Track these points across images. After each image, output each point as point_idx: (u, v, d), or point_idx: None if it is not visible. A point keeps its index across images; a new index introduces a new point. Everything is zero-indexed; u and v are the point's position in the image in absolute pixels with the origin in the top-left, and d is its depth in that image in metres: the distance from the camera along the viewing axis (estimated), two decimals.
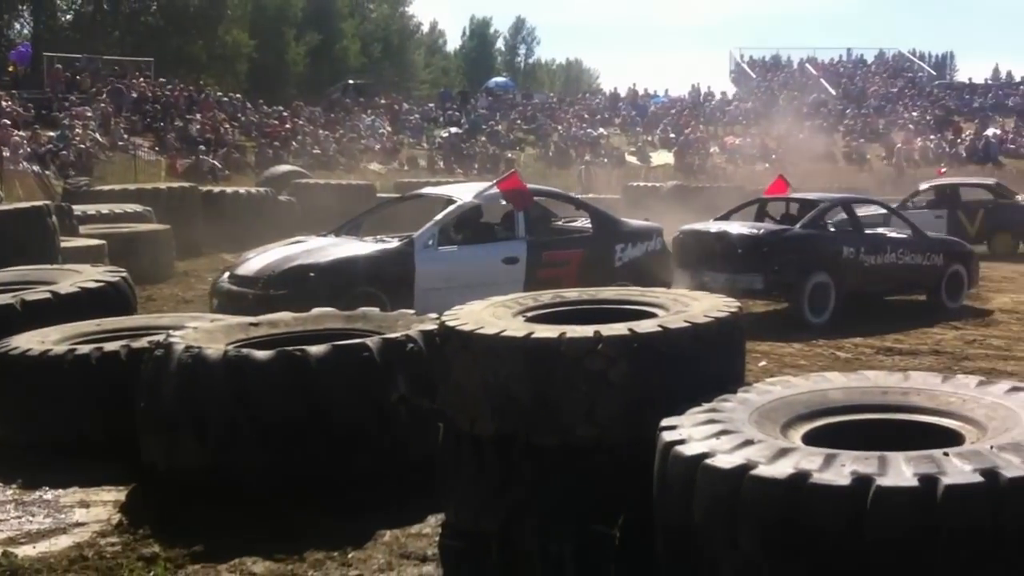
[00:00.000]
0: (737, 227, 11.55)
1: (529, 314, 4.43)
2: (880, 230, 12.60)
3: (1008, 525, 2.69)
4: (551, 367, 3.77)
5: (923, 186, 20.71)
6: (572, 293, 4.89)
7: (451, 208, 9.95)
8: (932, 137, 37.08)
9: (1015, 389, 3.50)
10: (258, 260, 9.36)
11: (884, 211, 14.63)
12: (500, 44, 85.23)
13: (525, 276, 9.69)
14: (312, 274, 8.83)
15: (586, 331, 3.82)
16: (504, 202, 10.33)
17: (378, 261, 9.19)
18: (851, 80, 47.53)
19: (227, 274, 9.51)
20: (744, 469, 2.94)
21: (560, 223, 11.23)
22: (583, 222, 11.01)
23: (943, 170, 24.42)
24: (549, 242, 10.26)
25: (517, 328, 3.99)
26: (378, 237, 9.95)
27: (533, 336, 3.84)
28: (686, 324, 3.88)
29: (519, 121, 40.13)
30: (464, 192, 10.59)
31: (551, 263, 9.98)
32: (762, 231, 11.43)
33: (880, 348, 9.47)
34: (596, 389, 3.74)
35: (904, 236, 12.23)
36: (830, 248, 11.32)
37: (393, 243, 9.54)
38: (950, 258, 12.13)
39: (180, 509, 4.64)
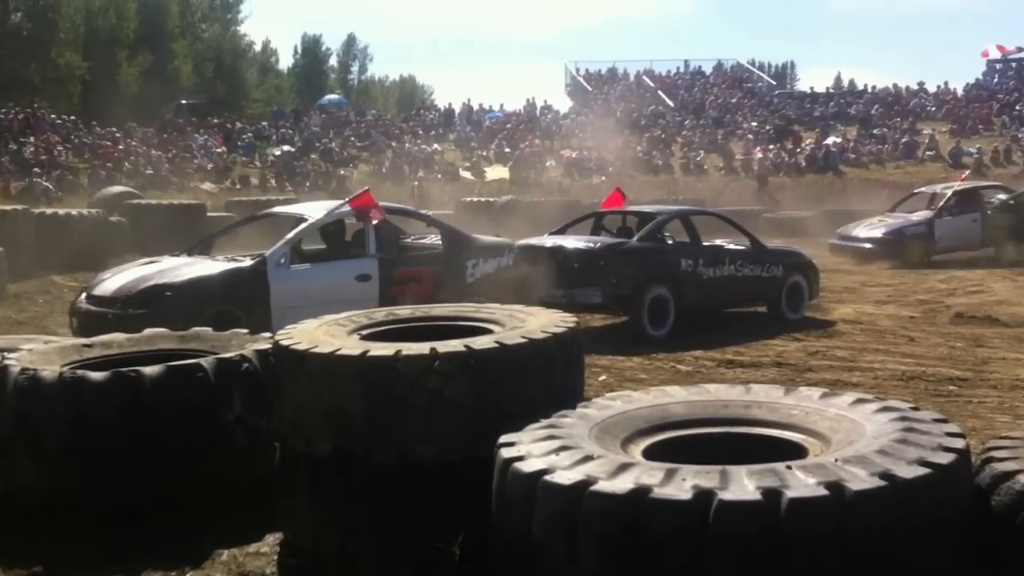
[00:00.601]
0: (573, 241, 11.51)
1: (364, 332, 4.43)
2: (718, 242, 12.69)
3: (854, 539, 2.67)
4: (388, 385, 3.76)
5: (948, 192, 20.88)
6: (406, 310, 4.93)
7: (302, 226, 9.98)
8: (772, 147, 38.04)
9: (859, 401, 3.51)
10: (114, 280, 9.38)
11: None
12: (332, 61, 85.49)
13: (379, 293, 9.77)
14: (168, 293, 8.89)
15: (422, 348, 3.81)
16: (355, 220, 10.38)
17: (232, 280, 9.21)
18: (688, 92, 48.72)
19: (84, 295, 9.48)
20: (584, 485, 2.88)
21: (410, 240, 11.24)
22: (434, 239, 11.03)
23: (965, 175, 24.90)
24: (401, 259, 10.35)
25: (352, 346, 3.97)
26: (230, 256, 9.95)
27: (369, 354, 3.83)
28: (523, 340, 3.89)
29: (353, 138, 40.25)
30: (315, 210, 10.58)
31: (403, 280, 10.05)
32: (598, 245, 11.37)
33: (721, 361, 9.51)
34: (434, 406, 3.74)
35: (742, 248, 12.31)
36: (668, 261, 11.33)
37: (245, 262, 9.53)
38: (789, 269, 12.25)
39: (20, 530, 4.64)
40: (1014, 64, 48.19)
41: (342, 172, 34.68)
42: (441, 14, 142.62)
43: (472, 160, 38.19)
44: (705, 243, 12.17)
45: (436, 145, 39.58)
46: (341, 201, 10.69)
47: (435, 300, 9.08)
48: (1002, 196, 20.81)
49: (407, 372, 3.73)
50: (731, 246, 12.42)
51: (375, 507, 3.84)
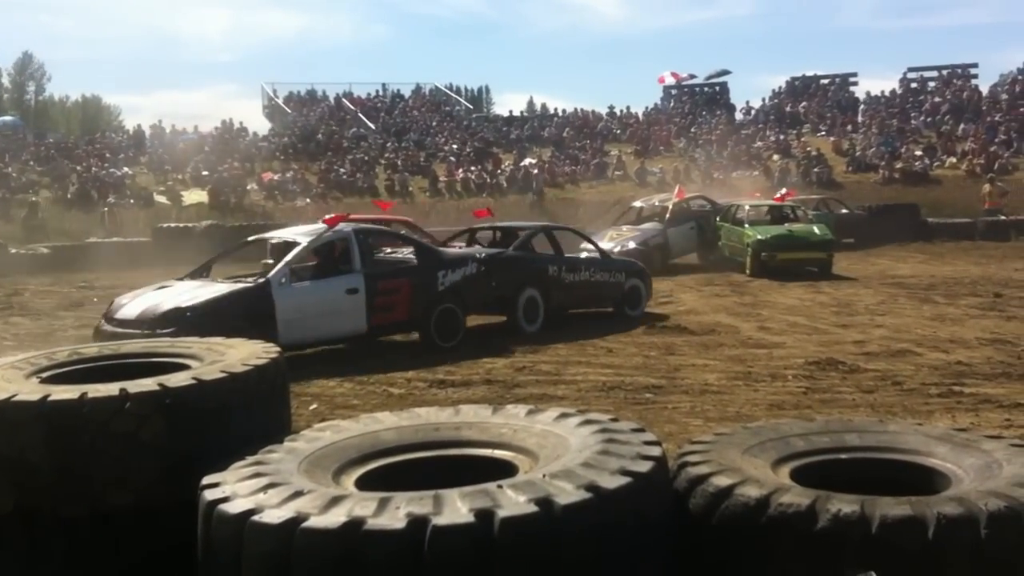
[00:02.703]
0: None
1: (45, 375, 4.15)
2: (582, 254, 15.06)
3: (566, 552, 2.72)
4: (74, 431, 3.52)
5: (667, 205, 23.42)
6: (93, 349, 4.63)
7: (297, 249, 11.12)
8: (473, 168, 38.87)
9: (563, 415, 3.59)
10: (136, 304, 10.28)
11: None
12: (6, 81, 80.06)
13: (366, 304, 11.06)
14: (188, 314, 9.78)
15: (111, 389, 3.60)
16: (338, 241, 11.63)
17: (242, 298, 10.30)
18: (389, 114, 48.96)
19: (105, 319, 10.36)
20: (295, 523, 2.76)
21: (385, 255, 12.65)
22: (406, 253, 12.49)
23: (679, 189, 26.52)
24: (382, 273, 11.59)
25: (31, 391, 3.70)
26: (235, 277, 11.22)
27: (51, 399, 3.57)
28: (223, 374, 3.76)
29: (32, 162, 37.92)
30: (302, 234, 11.75)
31: (386, 291, 11.30)
32: (481, 255, 12.89)
33: (433, 381, 9.54)
34: (128, 451, 3.53)
35: (594, 257, 14.77)
36: (538, 267, 13.32)
37: (253, 282, 10.69)
38: (630, 275, 14.47)
39: None
40: (687, 90, 51.99)
41: (34, 199, 32.35)
42: (125, 32, 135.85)
43: (167, 184, 36.66)
44: (567, 254, 14.49)
45: (127, 169, 37.75)
46: (320, 225, 11.97)
47: (413, 307, 11.34)
48: (705, 204, 23.73)
49: (94, 416, 3.49)
50: (585, 255, 15.05)
51: (68, 564, 3.59)
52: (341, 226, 11.65)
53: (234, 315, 9.77)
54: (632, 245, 21.18)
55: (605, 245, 21.69)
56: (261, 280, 10.60)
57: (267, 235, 12.96)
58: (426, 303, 11.43)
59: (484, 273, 12.33)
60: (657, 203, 24.33)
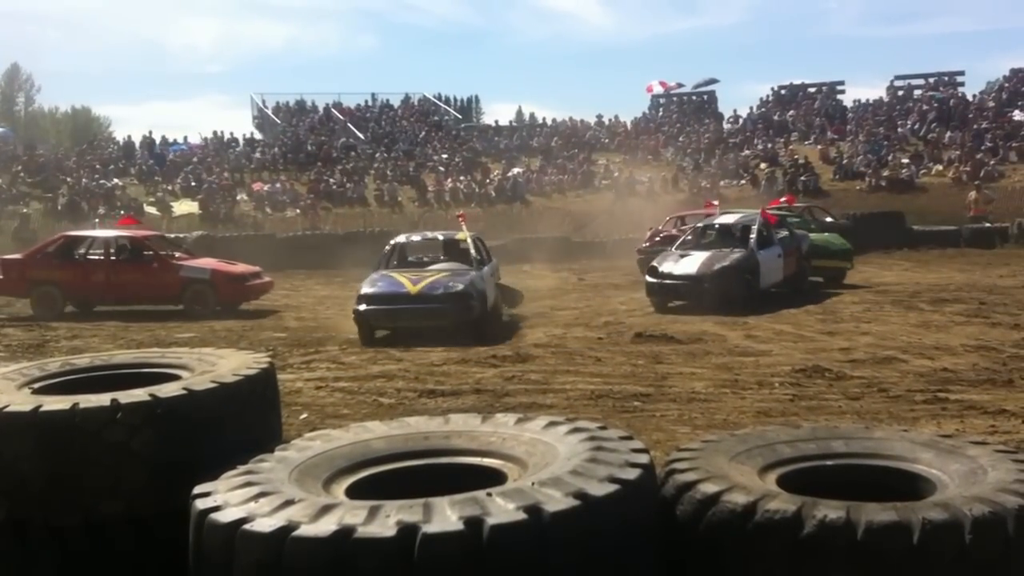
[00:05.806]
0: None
1: (37, 385, 4.14)
2: None
3: (554, 560, 2.73)
4: (66, 442, 3.52)
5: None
6: (84, 359, 4.63)
7: (755, 227, 16.92)
8: (462, 178, 38.98)
9: (552, 424, 3.60)
10: (688, 263, 16.13)
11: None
12: None
13: (783, 265, 17.13)
14: (732, 270, 15.86)
15: (102, 399, 3.60)
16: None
17: (747, 260, 16.20)
18: (378, 124, 48.99)
19: (654, 276, 16.02)
20: (285, 531, 2.77)
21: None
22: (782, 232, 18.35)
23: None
24: (785, 245, 17.51)
25: (23, 402, 3.69)
26: (719, 250, 16.57)
27: (42, 409, 3.57)
28: (213, 384, 3.76)
29: (23, 174, 37.59)
30: (750, 217, 17.80)
31: (788, 255, 17.39)
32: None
33: (423, 391, 9.55)
34: (119, 461, 3.54)
35: None
36: None
37: (743, 251, 16.39)
38: None
39: None
40: (675, 99, 52.16)
41: (25, 210, 32.18)
42: (114, 43, 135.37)
43: (157, 195, 36.65)
44: None
45: (116, 180, 37.70)
46: (751, 211, 18.65)
47: (795, 267, 17.77)
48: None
49: (86, 427, 3.50)
50: None
51: (60, 574, 3.59)
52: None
53: (747, 270, 15.97)
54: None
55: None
56: (748, 249, 16.33)
57: (723, 219, 18.15)
58: (799, 264, 17.73)
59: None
60: (440, 237, 21.41)
